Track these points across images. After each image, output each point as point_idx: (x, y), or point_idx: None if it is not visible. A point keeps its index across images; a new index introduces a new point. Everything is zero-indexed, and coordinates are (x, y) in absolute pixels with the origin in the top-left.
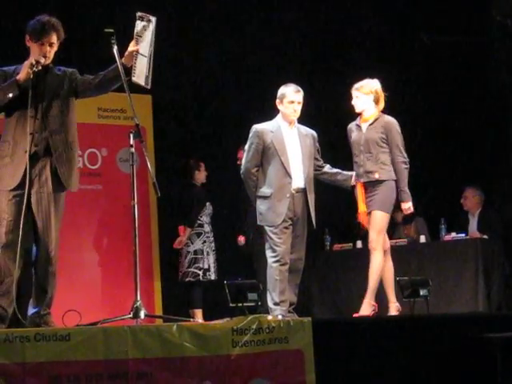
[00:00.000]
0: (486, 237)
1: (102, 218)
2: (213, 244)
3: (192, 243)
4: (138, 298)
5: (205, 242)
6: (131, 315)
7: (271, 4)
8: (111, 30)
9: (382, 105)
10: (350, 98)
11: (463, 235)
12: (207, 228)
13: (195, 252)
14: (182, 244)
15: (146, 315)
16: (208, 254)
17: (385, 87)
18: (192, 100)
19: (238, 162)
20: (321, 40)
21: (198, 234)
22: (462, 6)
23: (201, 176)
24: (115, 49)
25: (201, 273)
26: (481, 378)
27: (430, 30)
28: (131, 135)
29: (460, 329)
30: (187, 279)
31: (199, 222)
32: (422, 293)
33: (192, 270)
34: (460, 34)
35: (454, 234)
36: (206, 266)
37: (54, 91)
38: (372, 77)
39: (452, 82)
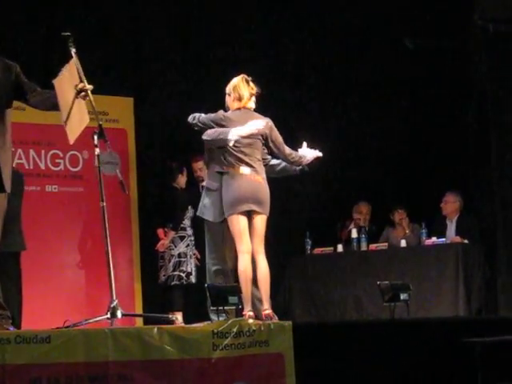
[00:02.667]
0: (466, 241)
1: (83, 220)
2: (194, 247)
3: (175, 246)
4: (114, 297)
5: (188, 245)
6: (108, 315)
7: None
8: (68, 34)
9: (244, 101)
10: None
11: (444, 240)
12: (190, 231)
13: (179, 255)
14: (165, 247)
15: (123, 314)
16: (190, 257)
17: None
18: (175, 103)
19: (196, 175)
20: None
21: (182, 238)
22: (444, 11)
23: (183, 180)
24: (73, 51)
25: (184, 276)
26: (461, 382)
27: (412, 35)
28: (95, 136)
29: (440, 333)
30: (173, 283)
31: (182, 225)
32: (402, 297)
33: (177, 273)
34: (442, 39)
35: (434, 239)
36: (189, 270)
37: (1, 82)
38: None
39: (433, 86)
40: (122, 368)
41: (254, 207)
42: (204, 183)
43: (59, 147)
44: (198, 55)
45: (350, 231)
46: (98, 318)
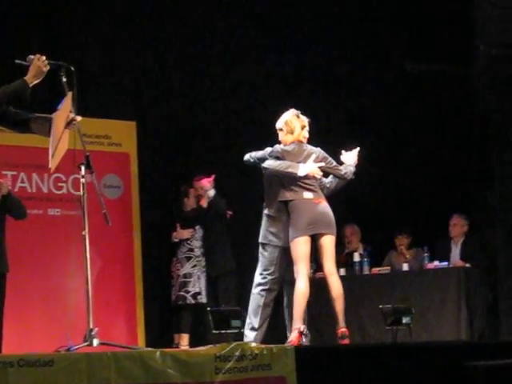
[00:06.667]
0: (468, 265)
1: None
2: (205, 268)
3: (182, 267)
4: (91, 325)
5: (195, 265)
6: (87, 343)
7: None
8: (60, 63)
9: (297, 134)
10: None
11: (446, 264)
12: (198, 252)
13: (185, 275)
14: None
15: (100, 343)
16: (199, 277)
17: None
18: (177, 126)
19: (197, 193)
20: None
21: (188, 258)
22: (446, 35)
23: (190, 202)
24: (64, 81)
25: (189, 296)
26: None
27: (413, 59)
28: (82, 166)
29: (443, 357)
30: (179, 302)
31: (189, 246)
32: (404, 321)
33: (182, 293)
34: (444, 63)
35: (436, 263)
36: (196, 290)
37: None
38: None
39: (436, 111)
40: None
41: (322, 230)
42: (265, 211)
43: (62, 171)
44: (199, 78)
45: (350, 255)
46: (76, 346)
